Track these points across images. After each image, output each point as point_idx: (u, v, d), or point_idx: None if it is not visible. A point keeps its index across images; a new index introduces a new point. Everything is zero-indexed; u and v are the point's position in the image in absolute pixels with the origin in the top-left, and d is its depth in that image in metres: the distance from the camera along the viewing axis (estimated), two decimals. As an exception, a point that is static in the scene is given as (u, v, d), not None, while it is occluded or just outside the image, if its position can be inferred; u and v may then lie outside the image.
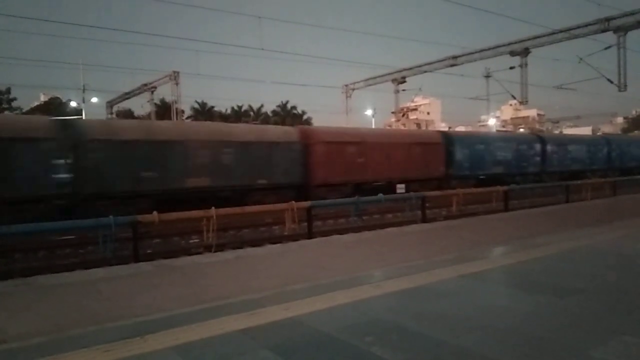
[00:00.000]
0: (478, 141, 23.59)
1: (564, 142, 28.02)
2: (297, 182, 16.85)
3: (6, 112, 38.18)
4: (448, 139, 21.84)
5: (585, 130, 57.61)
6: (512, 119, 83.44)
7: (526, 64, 25.30)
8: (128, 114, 44.26)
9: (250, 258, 6.41)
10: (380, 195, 12.61)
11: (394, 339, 3.02)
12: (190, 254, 8.28)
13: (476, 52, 27.79)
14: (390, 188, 17.94)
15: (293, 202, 9.84)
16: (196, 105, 49.86)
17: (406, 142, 20.17)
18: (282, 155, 16.64)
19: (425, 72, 31.24)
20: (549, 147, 26.18)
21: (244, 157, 15.77)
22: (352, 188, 17.49)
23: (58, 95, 47.39)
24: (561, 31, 23.89)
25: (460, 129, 51.77)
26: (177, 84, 31.22)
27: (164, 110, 39.50)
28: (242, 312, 3.60)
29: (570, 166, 27.11)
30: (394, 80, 33.57)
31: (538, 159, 25.60)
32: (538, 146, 25.77)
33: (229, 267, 5.91)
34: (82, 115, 34.38)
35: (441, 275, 4.73)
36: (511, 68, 26.29)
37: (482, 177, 22.60)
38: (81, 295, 4.64)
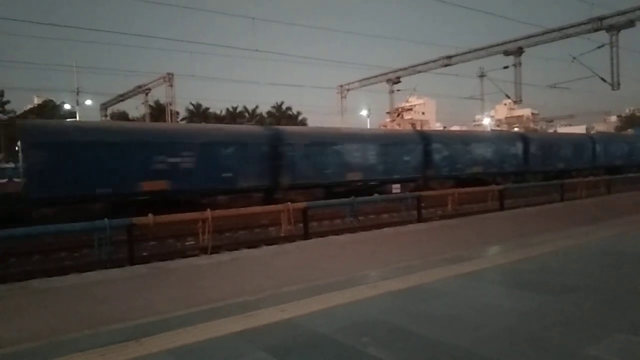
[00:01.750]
0: (113, 137, 13.79)
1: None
2: None
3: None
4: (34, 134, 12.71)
5: (580, 129, 57.84)
6: (506, 118, 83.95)
7: (520, 64, 25.46)
8: (122, 116, 44.11)
9: (246, 259, 6.40)
10: (376, 195, 12.68)
11: (390, 340, 3.02)
12: (186, 256, 8.27)
13: (470, 52, 27.94)
14: None
15: (289, 203, 9.84)
16: (191, 107, 49.83)
17: None
18: None
19: (420, 72, 31.35)
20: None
21: None
22: None
23: (52, 98, 47.18)
24: (554, 30, 24.07)
25: (455, 128, 51.87)
26: (171, 85, 31.16)
27: (158, 112, 39.40)
28: (239, 314, 3.59)
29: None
30: (388, 81, 33.65)
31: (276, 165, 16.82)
32: (266, 148, 16.56)
33: (225, 268, 5.90)
34: (76, 117, 34.25)
35: (437, 275, 4.73)
36: (505, 67, 26.48)
37: (107, 195, 13.12)
38: (76, 298, 4.61)
